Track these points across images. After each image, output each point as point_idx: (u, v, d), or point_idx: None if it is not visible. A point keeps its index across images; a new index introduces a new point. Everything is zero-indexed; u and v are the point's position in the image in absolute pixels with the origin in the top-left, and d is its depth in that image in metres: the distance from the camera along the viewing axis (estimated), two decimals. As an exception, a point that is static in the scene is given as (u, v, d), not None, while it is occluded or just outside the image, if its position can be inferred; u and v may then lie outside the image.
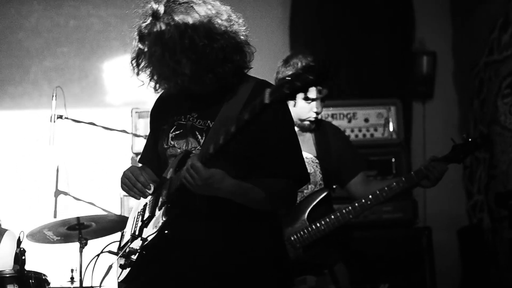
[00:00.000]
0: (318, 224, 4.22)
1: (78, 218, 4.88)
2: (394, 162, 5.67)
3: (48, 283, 4.81)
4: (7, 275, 4.64)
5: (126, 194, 3.18)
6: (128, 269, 2.95)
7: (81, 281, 4.77)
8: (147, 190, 2.97)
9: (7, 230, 5.50)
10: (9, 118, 6.44)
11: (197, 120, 2.97)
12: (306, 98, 4.25)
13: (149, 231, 2.90)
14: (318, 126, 4.42)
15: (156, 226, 2.87)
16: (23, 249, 4.63)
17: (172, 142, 3.01)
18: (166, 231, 2.84)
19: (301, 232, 4.22)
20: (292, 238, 4.21)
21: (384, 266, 5.41)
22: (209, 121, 2.93)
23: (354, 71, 6.41)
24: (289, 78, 2.46)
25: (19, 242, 4.73)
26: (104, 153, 6.02)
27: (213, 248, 2.87)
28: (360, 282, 4.99)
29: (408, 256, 5.48)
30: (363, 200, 4.25)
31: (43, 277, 4.78)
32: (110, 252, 3.02)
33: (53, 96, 5.30)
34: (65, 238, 5.05)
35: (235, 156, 2.83)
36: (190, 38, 2.78)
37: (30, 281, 4.63)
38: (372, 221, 5.56)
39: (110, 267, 3.00)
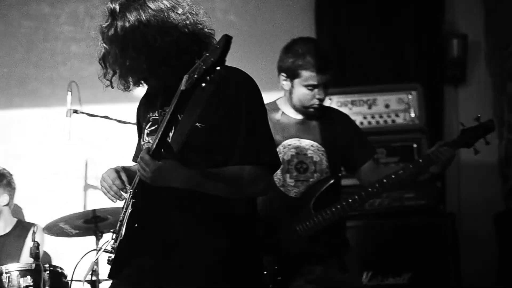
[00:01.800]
0: (324, 213, 4.14)
1: (94, 211, 4.93)
2: (416, 147, 5.54)
3: (65, 276, 4.87)
4: (22, 269, 4.72)
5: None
6: (110, 265, 2.97)
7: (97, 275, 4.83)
8: (123, 193, 3.01)
9: (33, 224, 5.60)
10: (28, 115, 6.55)
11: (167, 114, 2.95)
12: (307, 85, 4.18)
13: (122, 226, 2.92)
14: (323, 113, 4.34)
15: (124, 220, 2.90)
16: (37, 243, 4.70)
17: (147, 138, 3.02)
18: (134, 224, 2.86)
19: (307, 222, 4.15)
20: (298, 228, 4.15)
21: (407, 255, 5.30)
22: (179, 115, 2.90)
23: (381, 56, 6.30)
24: (198, 62, 2.51)
25: (33, 235, 4.80)
26: (121, 146, 6.07)
27: (177, 239, 2.87)
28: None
29: (432, 244, 5.35)
30: (369, 189, 4.16)
31: (59, 271, 4.85)
32: (105, 250, 3.04)
33: (68, 91, 5.35)
34: (83, 232, 5.10)
35: (197, 146, 2.83)
36: (141, 33, 2.80)
37: (46, 273, 4.71)
38: (394, 208, 5.45)
39: (94, 263, 3.02)
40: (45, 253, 5.86)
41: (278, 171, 4.22)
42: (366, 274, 5.18)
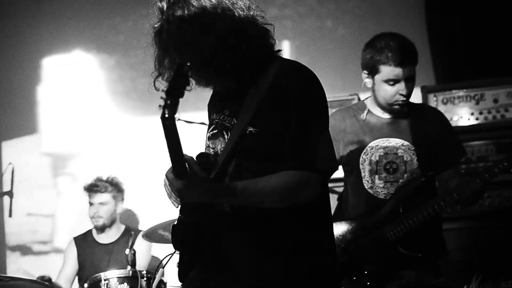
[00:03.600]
0: (415, 215, 3.95)
1: (191, 217, 4.92)
2: (527, 144, 5.21)
3: (164, 283, 4.90)
4: (120, 276, 4.79)
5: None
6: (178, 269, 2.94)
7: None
8: None
9: (141, 231, 5.69)
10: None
11: (227, 118, 2.85)
12: (388, 81, 4.00)
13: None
14: (413, 111, 4.15)
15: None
16: (134, 250, 4.76)
17: (208, 143, 2.94)
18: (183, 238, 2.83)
19: (398, 225, 3.97)
20: (388, 231, 3.97)
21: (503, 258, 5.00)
22: (235, 119, 2.80)
23: (490, 49, 5.96)
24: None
25: (132, 242, 4.87)
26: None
27: (234, 254, 2.76)
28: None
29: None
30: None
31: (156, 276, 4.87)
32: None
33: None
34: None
35: (248, 152, 2.72)
36: (184, 32, 2.68)
37: (143, 280, 4.76)
38: (505, 207, 5.16)
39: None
40: (153, 258, 5.93)
41: (366, 173, 4.09)
42: (475, 278, 4.91)
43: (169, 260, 3.71)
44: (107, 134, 6.81)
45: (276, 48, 2.87)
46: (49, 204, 6.98)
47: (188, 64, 2.38)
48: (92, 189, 5.77)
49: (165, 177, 2.79)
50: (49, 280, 5.41)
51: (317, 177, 2.70)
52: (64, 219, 6.89)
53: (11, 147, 7.13)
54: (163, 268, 4.18)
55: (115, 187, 5.80)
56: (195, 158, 2.76)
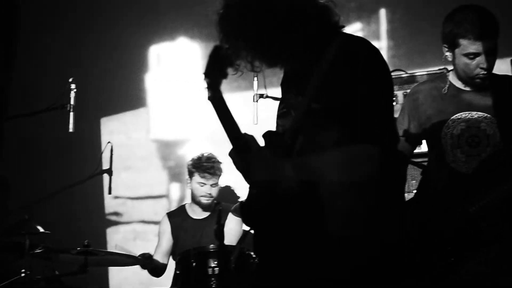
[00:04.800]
0: (498, 189, 3.87)
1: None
2: None
3: (253, 258, 4.95)
4: (210, 251, 4.89)
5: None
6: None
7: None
8: None
9: (231, 206, 5.78)
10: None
11: (294, 96, 2.89)
12: (467, 54, 3.93)
13: None
14: (496, 83, 4.06)
15: None
16: (222, 225, 4.84)
17: (279, 122, 2.98)
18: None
19: (480, 200, 3.90)
20: (470, 206, 3.91)
21: None
22: (300, 97, 2.83)
23: None
24: None
25: (219, 217, 4.94)
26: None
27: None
28: None
29: None
30: None
31: (246, 252, 4.94)
32: None
33: (254, 76, 5.42)
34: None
35: (313, 128, 2.74)
36: (244, 15, 2.72)
37: (231, 256, 4.83)
38: None
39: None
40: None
41: (448, 147, 4.04)
42: None
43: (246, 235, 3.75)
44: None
45: (340, 24, 2.88)
46: (150, 183, 7.21)
47: (227, 46, 2.45)
48: (208, 171, 5.84)
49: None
50: (150, 257, 5.58)
51: (377, 152, 2.66)
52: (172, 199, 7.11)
53: (116, 126, 7.40)
54: (241, 244, 4.25)
55: (221, 167, 5.90)
56: (262, 137, 2.82)
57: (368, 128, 2.66)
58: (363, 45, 2.79)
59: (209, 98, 2.58)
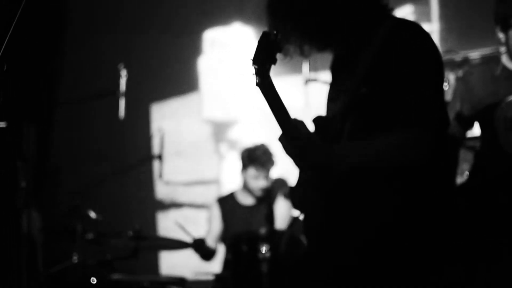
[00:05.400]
0: None
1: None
2: None
3: (303, 242, 4.95)
4: (260, 235, 4.89)
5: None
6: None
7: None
8: None
9: (281, 191, 5.78)
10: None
11: (343, 80, 2.84)
12: None
13: None
14: None
15: None
16: (272, 210, 4.84)
17: (328, 106, 2.94)
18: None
19: None
20: None
21: None
22: (350, 82, 2.78)
23: None
24: None
25: (270, 203, 4.95)
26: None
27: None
28: None
29: None
30: None
31: (296, 237, 4.94)
32: None
33: (304, 60, 5.40)
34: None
35: (361, 113, 2.70)
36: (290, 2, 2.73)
37: (281, 241, 4.84)
38: None
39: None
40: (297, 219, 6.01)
41: (501, 130, 3.96)
42: None
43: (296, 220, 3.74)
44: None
45: (390, 7, 2.84)
46: (201, 169, 7.25)
47: (275, 32, 2.44)
48: (264, 166, 5.84)
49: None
50: (202, 241, 5.60)
51: (429, 136, 2.61)
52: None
53: (168, 111, 7.45)
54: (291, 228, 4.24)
55: (274, 161, 5.89)
56: (312, 121, 2.80)
57: (418, 113, 2.60)
58: (413, 29, 2.74)
59: (257, 84, 2.56)
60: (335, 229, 2.74)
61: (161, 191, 7.37)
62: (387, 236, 2.62)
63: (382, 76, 2.65)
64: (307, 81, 5.38)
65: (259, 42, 2.52)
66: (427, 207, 2.65)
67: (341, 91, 2.83)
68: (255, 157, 5.80)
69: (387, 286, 2.62)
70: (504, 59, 4.07)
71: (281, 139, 2.70)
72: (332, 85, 2.96)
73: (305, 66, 5.38)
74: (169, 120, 7.34)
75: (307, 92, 5.40)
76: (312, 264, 2.96)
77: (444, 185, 2.74)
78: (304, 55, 2.84)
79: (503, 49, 4.11)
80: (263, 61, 2.52)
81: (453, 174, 2.90)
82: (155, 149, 6.20)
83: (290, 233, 4.69)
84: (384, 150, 2.61)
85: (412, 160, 2.61)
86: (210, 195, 6.94)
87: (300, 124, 2.67)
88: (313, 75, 5.42)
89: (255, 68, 2.53)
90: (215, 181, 7.28)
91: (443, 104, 2.72)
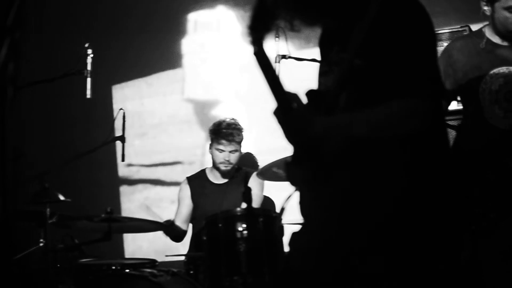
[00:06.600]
0: None
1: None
2: None
3: (279, 220, 4.90)
4: (237, 214, 4.82)
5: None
6: None
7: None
8: None
9: (254, 170, 5.72)
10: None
11: (336, 53, 2.80)
12: (508, 7, 3.87)
13: None
14: None
15: None
16: (249, 188, 4.77)
17: (321, 80, 2.90)
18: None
19: None
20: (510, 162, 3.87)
21: None
22: (343, 54, 2.74)
23: None
24: None
25: (246, 181, 4.88)
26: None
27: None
28: None
29: None
30: None
31: (273, 215, 4.88)
32: None
33: (276, 37, 5.33)
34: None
35: (356, 86, 2.66)
36: None
37: (259, 219, 4.76)
38: None
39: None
40: (267, 198, 5.96)
41: (486, 102, 3.98)
42: None
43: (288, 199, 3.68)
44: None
45: None
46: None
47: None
48: (226, 138, 5.76)
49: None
50: (172, 223, 5.50)
51: (424, 105, 2.58)
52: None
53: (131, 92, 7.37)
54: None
55: (242, 134, 5.82)
56: (305, 95, 2.75)
57: (414, 83, 2.58)
58: (404, 0, 2.71)
59: (255, 53, 2.50)
60: (333, 208, 2.69)
61: (124, 173, 7.28)
62: (395, 218, 2.57)
63: (376, 48, 2.61)
64: (279, 57, 5.31)
65: (254, 9, 2.46)
66: (426, 174, 2.62)
67: (334, 64, 2.79)
68: (219, 130, 5.75)
69: (395, 275, 2.57)
70: (488, 33, 4.09)
71: (275, 112, 2.64)
72: (323, 60, 2.92)
73: (278, 42, 5.30)
74: (132, 101, 7.26)
75: (279, 69, 5.33)
76: (307, 242, 2.90)
77: (441, 153, 2.72)
78: (294, 30, 2.78)
79: (472, 25, 4.14)
80: (258, 28, 2.47)
81: (448, 142, 2.86)
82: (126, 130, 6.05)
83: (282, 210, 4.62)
84: (379, 119, 2.58)
85: (409, 129, 2.57)
86: (174, 177, 6.89)
87: (294, 96, 2.63)
88: (285, 52, 5.35)
89: (251, 36, 2.47)
90: (179, 163, 7.20)
91: (438, 74, 2.70)
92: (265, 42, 2.57)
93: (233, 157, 5.77)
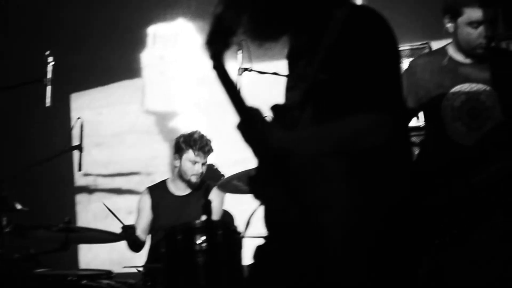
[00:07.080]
0: (503, 162, 3.85)
1: (265, 168, 4.89)
2: None
3: (238, 233, 4.87)
4: (196, 226, 4.78)
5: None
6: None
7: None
8: None
9: (215, 183, 5.70)
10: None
11: (302, 68, 2.82)
12: (471, 23, 3.92)
13: None
14: (497, 55, 4.05)
15: None
16: (209, 200, 4.73)
17: (287, 95, 2.90)
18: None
19: (484, 172, 3.88)
20: (474, 179, 3.89)
21: None
22: (308, 69, 2.75)
23: None
24: None
25: (206, 193, 4.85)
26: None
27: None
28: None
29: None
30: None
31: (232, 228, 4.85)
32: None
33: (239, 49, 5.32)
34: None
35: (320, 100, 2.68)
36: None
37: (218, 232, 4.73)
38: None
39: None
40: (225, 211, 5.94)
41: (448, 119, 4.02)
42: None
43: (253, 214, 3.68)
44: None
45: None
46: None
47: (229, 15, 2.42)
48: (203, 149, 5.74)
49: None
50: (133, 227, 5.42)
51: (385, 120, 2.59)
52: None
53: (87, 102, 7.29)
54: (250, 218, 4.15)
55: (212, 147, 5.81)
56: (270, 109, 2.75)
57: (376, 98, 2.59)
58: (369, 16, 2.73)
59: (214, 67, 2.50)
60: (296, 222, 2.67)
61: (81, 182, 7.21)
62: (345, 224, 2.57)
63: (340, 63, 2.63)
64: (241, 70, 5.30)
65: (212, 25, 2.47)
66: (388, 190, 2.63)
67: (299, 79, 2.80)
68: (193, 141, 5.71)
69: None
70: (451, 50, 4.13)
71: (239, 126, 2.64)
72: (290, 74, 2.93)
73: (240, 55, 5.29)
74: (90, 110, 7.18)
75: (241, 82, 5.32)
76: (272, 255, 2.89)
77: (404, 168, 2.73)
78: (255, 43, 2.79)
79: (433, 42, 4.18)
80: (217, 43, 2.47)
81: (411, 157, 2.88)
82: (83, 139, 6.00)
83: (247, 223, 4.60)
84: (341, 133, 2.58)
85: (371, 143, 2.57)
86: (131, 187, 6.84)
87: (255, 111, 2.63)
88: (247, 65, 5.34)
89: (210, 51, 2.47)
90: (137, 173, 7.15)
91: (401, 90, 2.72)
92: (224, 56, 2.57)
93: (204, 169, 5.76)
